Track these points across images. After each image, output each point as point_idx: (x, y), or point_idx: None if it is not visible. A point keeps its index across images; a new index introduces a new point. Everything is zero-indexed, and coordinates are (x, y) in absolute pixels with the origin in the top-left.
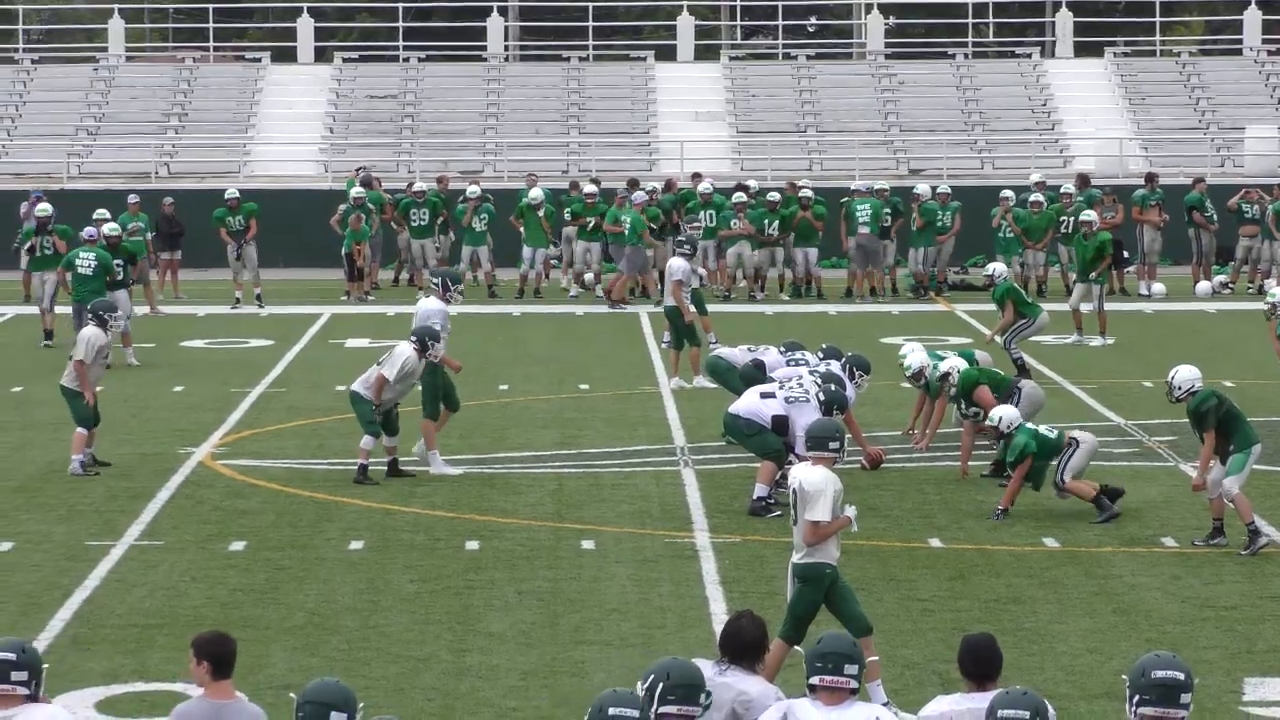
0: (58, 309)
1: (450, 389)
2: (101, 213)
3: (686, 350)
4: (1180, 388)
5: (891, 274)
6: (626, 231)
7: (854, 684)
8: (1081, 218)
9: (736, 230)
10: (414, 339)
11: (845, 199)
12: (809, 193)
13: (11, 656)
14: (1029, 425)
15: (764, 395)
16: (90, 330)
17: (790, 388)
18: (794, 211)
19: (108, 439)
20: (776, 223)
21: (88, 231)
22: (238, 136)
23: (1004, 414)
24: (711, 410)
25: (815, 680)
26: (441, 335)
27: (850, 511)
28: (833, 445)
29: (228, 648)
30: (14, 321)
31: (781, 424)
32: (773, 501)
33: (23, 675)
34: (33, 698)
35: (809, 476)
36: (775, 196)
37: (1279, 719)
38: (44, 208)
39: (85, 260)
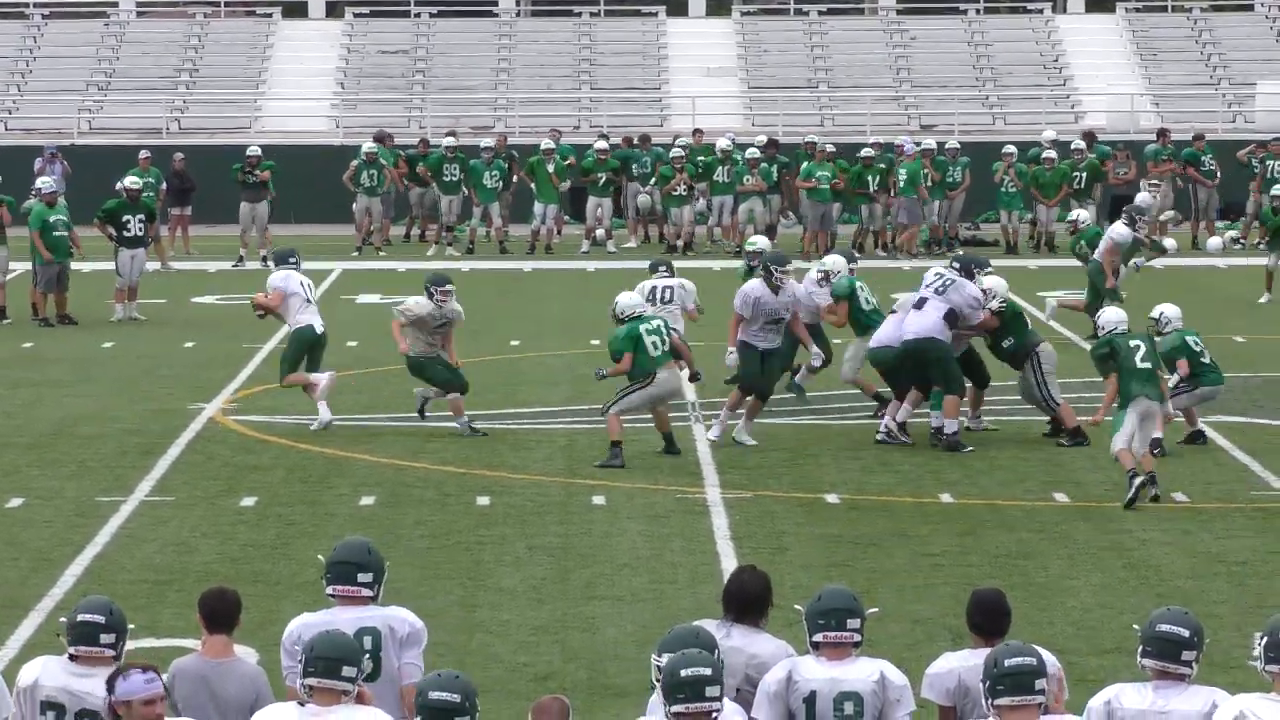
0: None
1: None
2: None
3: None
4: (1102, 328)
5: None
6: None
7: (857, 638)
8: (1274, 191)
9: (750, 186)
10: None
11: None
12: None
13: (100, 619)
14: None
15: (916, 306)
16: None
17: (930, 282)
18: (887, 167)
19: (120, 395)
20: (876, 179)
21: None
22: (249, 92)
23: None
24: (722, 368)
25: (819, 637)
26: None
27: None
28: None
29: (224, 602)
30: (25, 278)
31: (953, 317)
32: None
33: (110, 637)
34: (118, 658)
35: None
36: (869, 153)
37: None
38: None
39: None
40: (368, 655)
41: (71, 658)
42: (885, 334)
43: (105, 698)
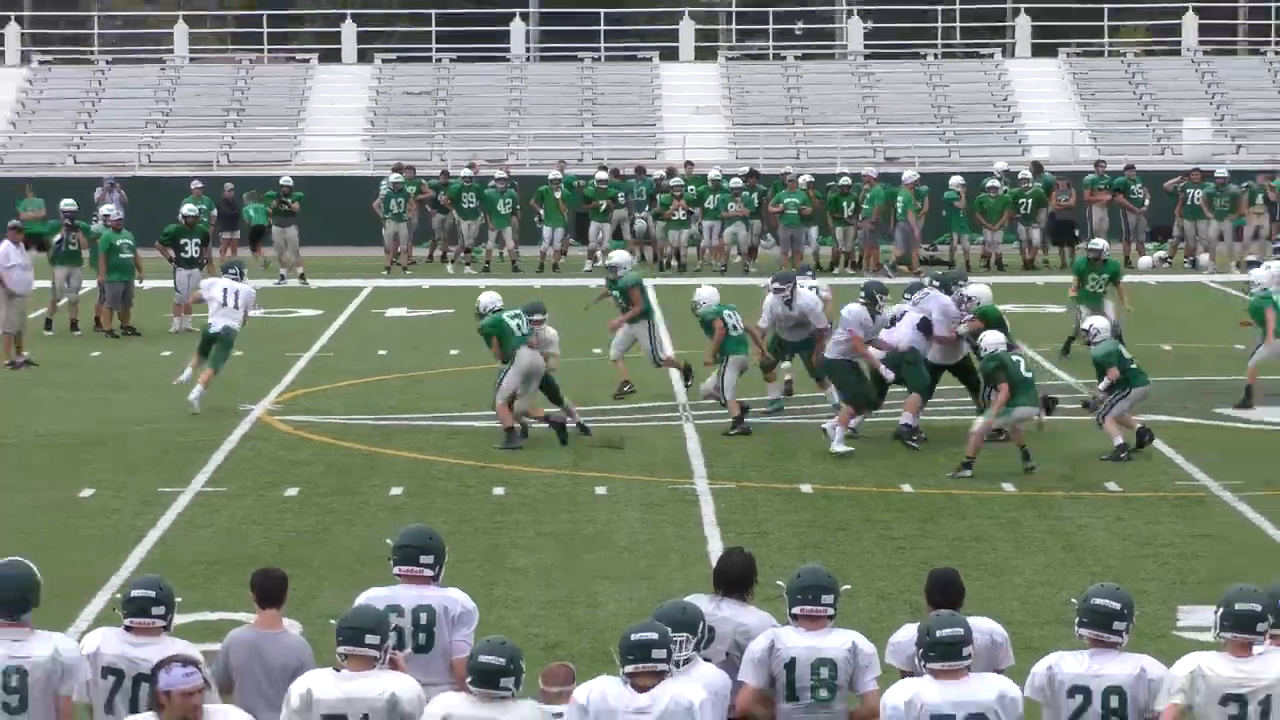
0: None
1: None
2: (62, 202)
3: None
4: (987, 348)
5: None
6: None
7: (831, 611)
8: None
9: (734, 213)
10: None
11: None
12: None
13: (151, 594)
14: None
15: (895, 318)
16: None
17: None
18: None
19: (177, 398)
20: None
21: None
22: (289, 129)
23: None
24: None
25: (797, 610)
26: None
27: None
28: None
29: (271, 581)
30: (92, 294)
31: (926, 325)
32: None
33: (161, 609)
34: (167, 628)
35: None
36: (846, 181)
37: (1210, 642)
38: (69, 202)
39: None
40: (422, 630)
41: (127, 629)
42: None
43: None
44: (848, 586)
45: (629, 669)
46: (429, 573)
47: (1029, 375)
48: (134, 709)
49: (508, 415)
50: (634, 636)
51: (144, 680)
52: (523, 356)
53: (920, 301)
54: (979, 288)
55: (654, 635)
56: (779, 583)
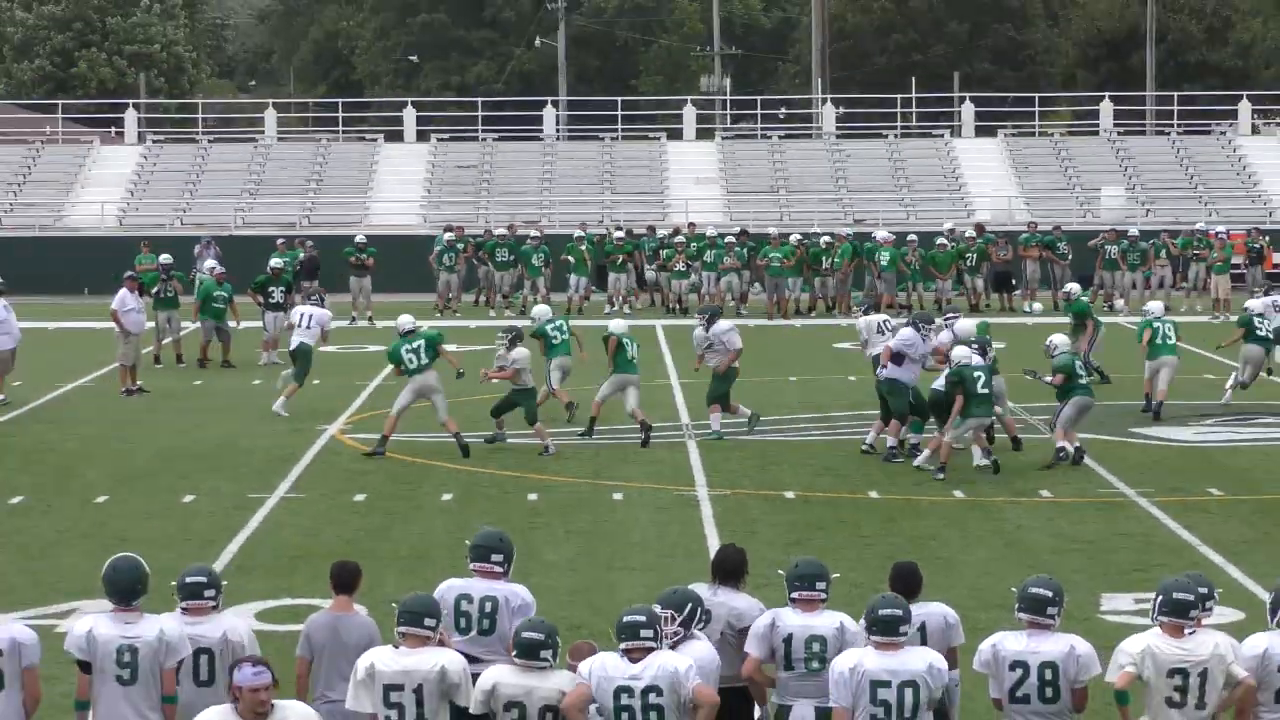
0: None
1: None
2: (159, 257)
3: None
4: (955, 361)
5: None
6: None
7: (824, 595)
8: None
9: (728, 265)
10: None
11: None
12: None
13: (203, 579)
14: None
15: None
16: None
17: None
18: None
19: (265, 419)
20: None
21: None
22: (359, 196)
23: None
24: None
25: (795, 594)
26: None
27: None
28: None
29: (346, 571)
30: (195, 333)
31: (899, 356)
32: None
33: (212, 593)
34: (217, 608)
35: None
36: (827, 239)
37: (1126, 623)
38: (166, 257)
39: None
40: (487, 617)
41: (184, 610)
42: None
43: (218, 638)
44: (837, 575)
45: (623, 645)
46: (499, 569)
47: (985, 391)
48: (196, 678)
49: (391, 426)
50: (626, 619)
51: (203, 653)
52: (415, 379)
53: (898, 335)
54: (964, 323)
55: (642, 618)
56: (779, 571)
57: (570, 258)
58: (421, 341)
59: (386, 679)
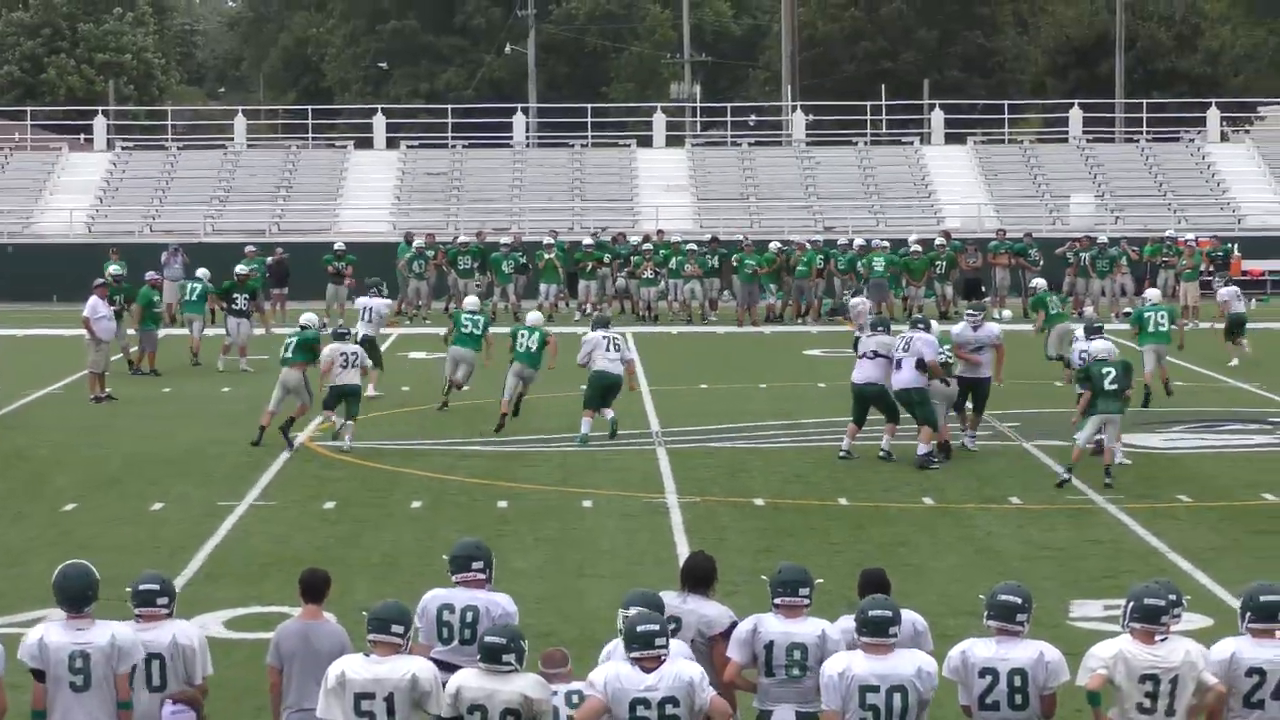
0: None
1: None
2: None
3: None
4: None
5: (816, 305)
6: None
7: (807, 602)
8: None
9: (689, 273)
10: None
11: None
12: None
13: (156, 586)
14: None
15: (896, 366)
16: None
17: (899, 344)
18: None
19: (236, 426)
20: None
21: (148, 275)
22: (329, 203)
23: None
24: (680, 407)
25: (778, 601)
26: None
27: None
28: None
29: (316, 579)
30: (179, 340)
31: (922, 364)
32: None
33: (165, 600)
34: (170, 615)
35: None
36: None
37: (1095, 630)
38: (115, 268)
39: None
40: (468, 626)
41: (138, 618)
42: (867, 374)
43: (167, 643)
44: (820, 581)
45: (635, 654)
46: (481, 575)
47: (1113, 387)
48: (149, 684)
49: (269, 418)
50: (640, 628)
51: (154, 659)
52: (284, 375)
53: (910, 345)
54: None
55: (655, 627)
56: (764, 577)
57: (542, 264)
58: (294, 340)
59: (357, 687)
